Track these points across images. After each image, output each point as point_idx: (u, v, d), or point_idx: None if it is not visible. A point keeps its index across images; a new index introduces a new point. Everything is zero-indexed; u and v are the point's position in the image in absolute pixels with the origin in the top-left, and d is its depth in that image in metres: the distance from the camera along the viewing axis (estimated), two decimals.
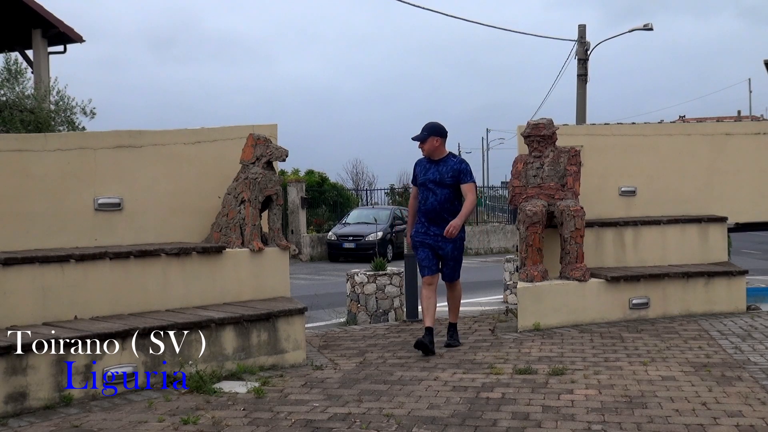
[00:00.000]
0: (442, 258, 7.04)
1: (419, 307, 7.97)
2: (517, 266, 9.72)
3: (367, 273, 9.59)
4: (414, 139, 7.08)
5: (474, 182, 7.02)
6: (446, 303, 7.36)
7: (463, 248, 7.18)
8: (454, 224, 6.73)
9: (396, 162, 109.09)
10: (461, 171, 6.96)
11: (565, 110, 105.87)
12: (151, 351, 5.66)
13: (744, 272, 8.73)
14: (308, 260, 24.50)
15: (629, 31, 25.48)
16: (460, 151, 48.26)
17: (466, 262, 21.54)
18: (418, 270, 7.22)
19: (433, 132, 6.99)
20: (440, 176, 6.92)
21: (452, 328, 7.26)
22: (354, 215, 25.88)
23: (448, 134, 7.13)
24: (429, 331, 6.81)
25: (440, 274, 7.07)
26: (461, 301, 7.47)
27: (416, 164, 7.17)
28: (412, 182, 7.26)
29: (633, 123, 10.50)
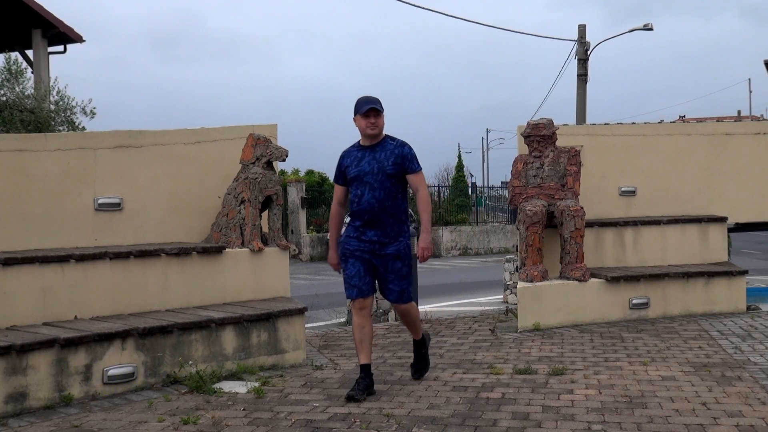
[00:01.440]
0: (381, 274, 5.43)
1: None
2: (517, 266, 9.72)
3: None
4: (364, 112, 5.35)
5: (422, 169, 5.50)
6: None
7: (410, 257, 5.58)
8: (423, 245, 5.29)
9: None
10: (405, 156, 5.37)
11: (565, 110, 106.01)
12: (151, 351, 5.66)
13: (744, 272, 8.73)
14: (308, 260, 24.49)
15: (629, 31, 25.49)
16: (460, 152, 47.90)
17: (467, 262, 21.26)
18: (345, 289, 5.52)
19: (383, 108, 5.44)
20: (379, 165, 5.33)
21: (419, 345, 5.80)
22: None
23: None
24: (364, 370, 5.34)
25: (385, 295, 5.56)
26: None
27: (343, 156, 5.52)
28: (335, 180, 5.61)
29: (633, 123, 10.50)
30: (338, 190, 5.59)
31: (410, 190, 5.57)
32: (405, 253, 5.45)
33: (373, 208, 5.34)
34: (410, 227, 5.93)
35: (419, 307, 9.31)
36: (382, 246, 5.38)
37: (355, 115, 5.42)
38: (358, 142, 5.51)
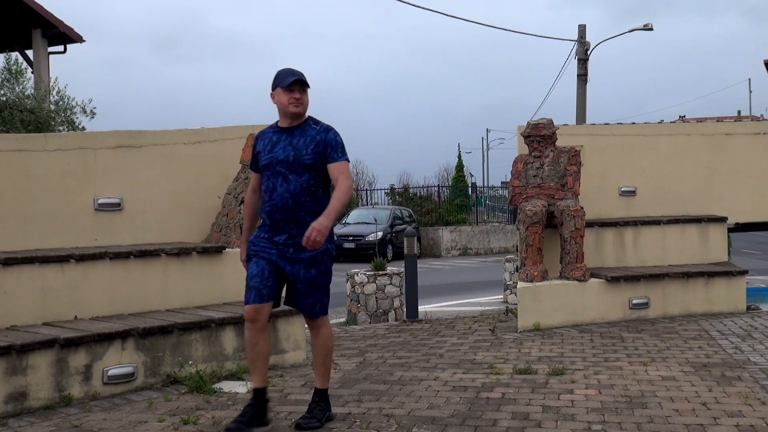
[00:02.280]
0: (291, 283, 4.58)
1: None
2: (517, 266, 9.72)
3: (367, 273, 9.59)
4: (287, 85, 4.52)
5: (348, 161, 4.61)
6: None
7: (329, 263, 4.62)
8: (317, 226, 4.22)
9: (396, 162, 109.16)
10: (328, 143, 4.53)
11: (565, 110, 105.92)
12: (151, 351, 5.66)
13: (744, 272, 8.73)
14: None
15: (629, 31, 25.48)
16: (460, 152, 47.73)
17: (467, 262, 21.20)
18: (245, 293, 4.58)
19: (307, 84, 4.60)
20: (295, 153, 4.51)
21: (318, 395, 4.70)
22: (354, 215, 25.88)
23: None
24: (257, 396, 4.58)
25: (297, 306, 4.70)
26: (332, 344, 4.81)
27: (258, 138, 4.74)
28: (251, 165, 4.83)
29: (633, 123, 10.51)
30: (254, 177, 4.77)
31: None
32: (322, 259, 4.54)
33: (287, 204, 4.49)
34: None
35: (420, 308, 9.38)
36: (296, 250, 4.48)
37: (274, 88, 4.56)
38: (276, 122, 4.67)
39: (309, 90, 4.61)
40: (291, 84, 4.49)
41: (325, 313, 4.68)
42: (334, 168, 4.52)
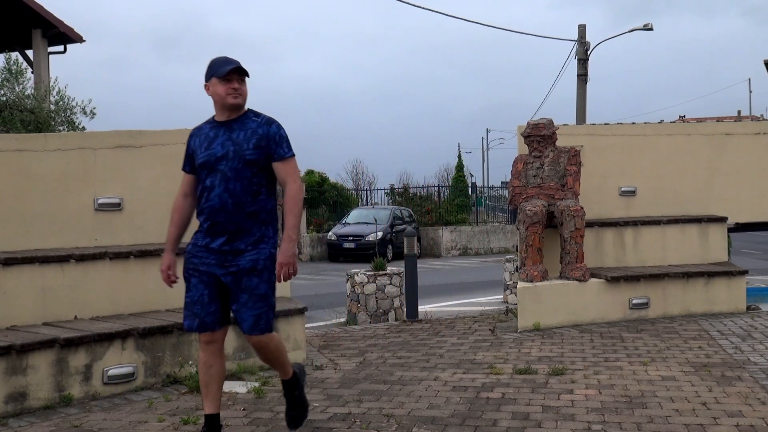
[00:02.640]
0: (232, 293, 4.10)
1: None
2: (517, 266, 9.72)
3: (367, 273, 9.59)
4: (224, 74, 4.11)
5: (294, 155, 4.22)
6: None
7: (273, 272, 4.12)
8: (285, 260, 4.01)
9: (396, 162, 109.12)
10: (272, 137, 4.13)
11: (565, 110, 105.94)
12: (151, 351, 5.66)
13: (744, 272, 8.73)
14: (308, 260, 24.50)
15: (629, 31, 25.47)
16: (460, 152, 47.66)
17: (467, 262, 21.19)
18: (184, 317, 4.21)
19: (246, 73, 4.20)
20: (236, 149, 4.09)
21: (290, 386, 4.44)
22: (354, 215, 25.89)
23: None
24: (210, 424, 4.23)
25: (236, 321, 4.17)
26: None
27: (192, 135, 4.26)
28: (183, 166, 4.32)
29: (633, 123, 10.51)
30: (185, 179, 4.30)
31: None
32: (265, 266, 4.09)
33: (226, 205, 4.06)
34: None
35: (420, 308, 9.38)
36: (235, 256, 4.07)
37: (208, 78, 4.16)
38: (213, 117, 4.26)
39: (248, 79, 4.20)
40: (228, 73, 4.10)
41: (269, 330, 4.14)
42: (280, 168, 4.13)
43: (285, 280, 4.07)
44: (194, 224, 4.29)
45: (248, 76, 4.19)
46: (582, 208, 8.04)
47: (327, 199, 28.34)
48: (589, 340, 7.23)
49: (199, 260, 4.12)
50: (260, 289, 4.08)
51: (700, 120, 25.65)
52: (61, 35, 17.66)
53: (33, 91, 16.31)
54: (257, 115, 4.23)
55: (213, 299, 4.11)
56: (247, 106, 4.23)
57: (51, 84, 16.73)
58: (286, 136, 4.19)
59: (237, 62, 4.16)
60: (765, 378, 5.57)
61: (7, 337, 5.16)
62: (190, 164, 4.25)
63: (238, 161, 4.07)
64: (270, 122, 4.19)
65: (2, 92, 15.99)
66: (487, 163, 64.02)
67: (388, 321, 9.34)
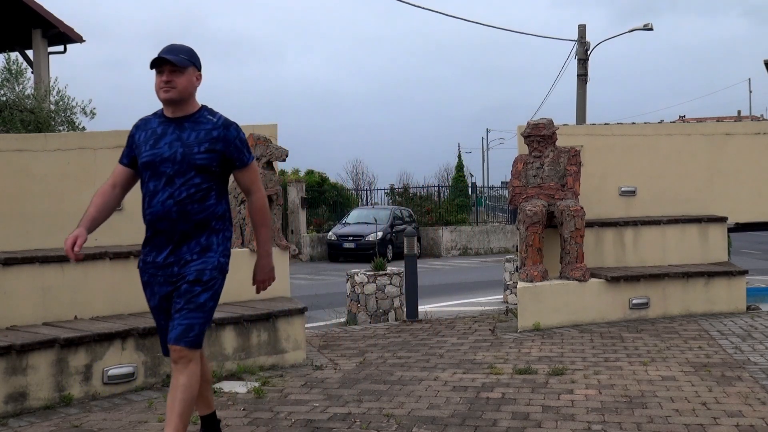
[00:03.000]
0: (173, 296, 3.75)
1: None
2: (517, 266, 9.72)
3: (367, 273, 9.59)
4: (159, 63, 3.68)
5: (255, 160, 3.94)
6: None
7: (218, 283, 3.75)
8: (264, 276, 3.92)
9: (396, 162, 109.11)
10: (229, 141, 3.73)
11: (565, 110, 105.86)
12: (151, 351, 5.66)
13: (744, 272, 8.73)
14: (308, 260, 24.50)
15: (629, 31, 25.47)
16: (460, 152, 47.62)
17: (467, 262, 21.15)
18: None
19: (196, 60, 3.80)
20: (184, 151, 3.67)
21: (208, 424, 4.09)
22: (354, 215, 25.89)
23: None
24: (206, 423, 4.10)
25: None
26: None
27: (139, 126, 3.84)
28: (120, 158, 3.91)
29: (633, 123, 10.51)
30: (118, 170, 3.89)
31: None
32: (211, 277, 3.69)
33: (170, 213, 3.66)
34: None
35: (420, 308, 9.38)
36: (181, 267, 3.70)
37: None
38: (161, 110, 3.82)
39: (190, 70, 3.72)
40: (156, 65, 3.68)
41: (199, 345, 3.66)
42: (243, 177, 3.80)
43: (264, 289, 3.99)
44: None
45: (186, 65, 3.69)
46: (582, 208, 8.04)
47: (327, 199, 28.34)
48: (589, 340, 7.23)
49: (152, 278, 3.79)
50: (200, 298, 3.67)
51: (700, 120, 25.65)
52: (61, 35, 17.66)
53: (33, 91, 16.31)
54: (213, 114, 3.80)
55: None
56: (203, 103, 3.85)
57: (51, 84, 16.74)
58: (245, 140, 3.83)
59: (168, 50, 3.69)
60: (765, 378, 5.57)
61: (7, 337, 5.16)
62: (129, 157, 3.84)
63: (186, 165, 3.65)
64: (228, 125, 3.76)
65: (2, 92, 15.99)
66: (487, 163, 64.06)
67: (388, 321, 9.34)
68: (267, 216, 3.85)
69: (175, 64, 3.66)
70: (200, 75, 3.81)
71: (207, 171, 3.69)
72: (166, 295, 3.75)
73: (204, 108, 3.81)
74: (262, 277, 3.90)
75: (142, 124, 3.82)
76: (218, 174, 3.75)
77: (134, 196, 6.68)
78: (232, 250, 6.75)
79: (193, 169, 3.67)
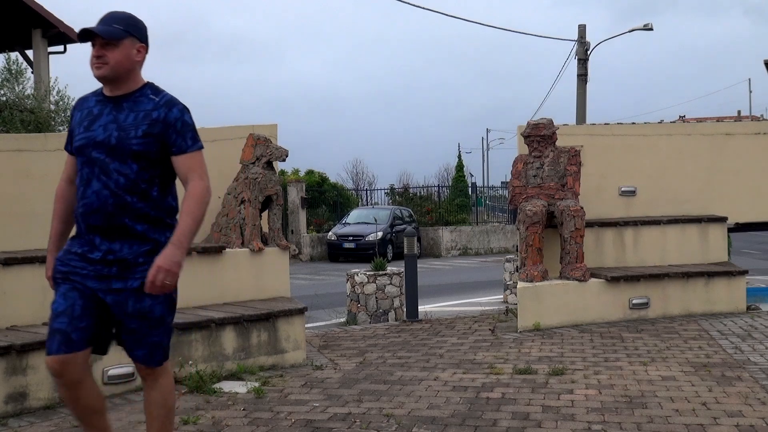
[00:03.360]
0: (117, 318, 3.27)
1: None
2: (517, 266, 9.72)
3: (367, 273, 9.59)
4: (86, 37, 3.24)
5: (202, 149, 3.35)
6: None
7: (171, 293, 3.31)
8: (164, 263, 3.11)
9: (396, 162, 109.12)
10: (171, 124, 3.26)
11: (565, 110, 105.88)
12: None
13: (744, 272, 8.74)
14: (308, 260, 24.50)
15: (629, 32, 25.46)
16: (460, 152, 47.59)
17: (467, 262, 21.19)
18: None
19: (136, 30, 3.29)
20: (120, 135, 3.22)
21: None
22: (354, 215, 25.88)
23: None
24: None
25: (127, 351, 3.37)
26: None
27: (76, 106, 3.44)
28: (66, 146, 3.49)
29: (633, 123, 10.51)
30: (69, 161, 3.46)
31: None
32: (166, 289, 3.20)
33: (105, 205, 3.21)
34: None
35: (420, 308, 9.38)
36: (122, 270, 3.21)
37: None
38: (101, 88, 3.38)
39: (128, 42, 3.23)
40: (86, 38, 3.24)
41: (165, 358, 3.38)
42: (181, 162, 3.27)
43: (155, 291, 3.13)
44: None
45: (121, 37, 3.21)
46: (582, 208, 8.04)
47: (327, 199, 28.34)
48: (589, 340, 7.24)
49: (73, 270, 3.23)
50: (155, 312, 3.26)
51: (700, 120, 25.66)
52: (61, 35, 17.65)
53: (33, 91, 16.31)
54: (157, 92, 3.32)
55: (86, 313, 3.20)
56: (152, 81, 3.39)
57: (51, 84, 16.73)
58: (192, 124, 3.32)
59: (102, 20, 3.25)
60: (765, 378, 5.57)
61: (7, 337, 5.16)
62: (72, 143, 3.38)
63: (121, 151, 3.20)
64: (171, 104, 3.28)
65: (2, 92, 15.99)
66: (487, 163, 64.11)
67: (388, 321, 9.34)
68: (199, 207, 3.22)
69: (107, 40, 3.18)
70: (143, 47, 3.30)
71: (145, 158, 3.23)
72: (94, 293, 3.21)
73: (148, 85, 3.33)
74: (161, 263, 3.09)
75: (79, 104, 3.40)
76: (161, 162, 3.27)
77: None
78: (231, 250, 6.80)
79: (130, 156, 3.21)
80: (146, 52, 3.32)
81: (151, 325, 3.28)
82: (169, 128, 3.24)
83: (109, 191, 3.20)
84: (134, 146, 3.21)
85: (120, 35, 3.21)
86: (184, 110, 3.31)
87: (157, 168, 3.28)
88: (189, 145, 3.29)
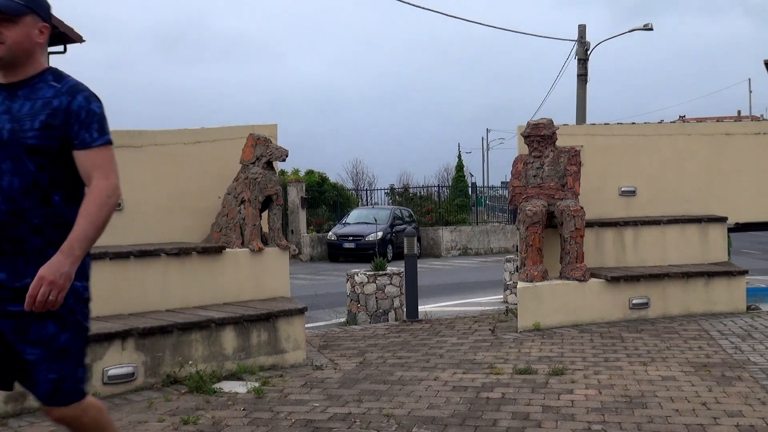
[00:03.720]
0: (13, 343, 2.76)
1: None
2: (517, 266, 9.72)
3: (367, 273, 9.59)
4: None
5: (110, 143, 2.80)
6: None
7: (83, 311, 2.97)
8: (49, 274, 2.59)
9: (396, 162, 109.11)
10: (74, 113, 2.75)
11: (566, 110, 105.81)
12: (151, 351, 5.66)
13: (744, 272, 8.73)
14: (308, 260, 24.50)
15: (629, 32, 25.46)
16: (460, 152, 47.52)
17: (467, 262, 21.22)
18: None
19: (39, 8, 2.82)
20: (14, 125, 2.73)
21: None
22: (354, 215, 25.89)
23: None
24: None
25: (28, 386, 2.84)
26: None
27: None
28: None
29: (633, 123, 10.51)
30: None
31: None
32: (67, 306, 2.74)
33: None
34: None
35: (420, 308, 9.38)
36: (16, 293, 2.71)
37: None
38: None
39: (29, 20, 2.76)
40: None
41: (80, 396, 2.81)
42: (84, 158, 2.74)
43: (37, 308, 2.59)
44: None
45: (18, 12, 2.73)
46: (582, 208, 8.04)
47: (327, 199, 28.33)
48: (589, 340, 7.24)
49: None
50: (60, 341, 2.75)
51: (700, 120, 25.66)
52: (61, 35, 17.66)
53: None
54: (59, 78, 2.81)
55: None
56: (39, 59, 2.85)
57: None
58: (100, 114, 2.79)
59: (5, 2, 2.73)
60: (765, 378, 5.57)
61: None
62: None
63: (14, 147, 2.71)
64: (75, 91, 2.77)
65: None
66: (487, 163, 64.10)
67: (388, 321, 9.34)
68: (100, 209, 2.68)
69: (3, 11, 2.70)
70: (46, 27, 2.83)
71: (45, 154, 2.73)
72: None
73: (49, 71, 2.81)
74: (44, 274, 2.58)
75: None
76: (64, 160, 2.76)
77: (134, 197, 6.71)
78: (231, 250, 6.80)
79: (25, 152, 2.71)
80: (49, 33, 2.85)
81: (54, 356, 2.74)
82: (71, 118, 2.73)
83: (3, 196, 2.70)
84: (30, 140, 2.71)
85: (21, 10, 2.73)
86: (91, 98, 2.78)
87: (61, 168, 2.76)
88: (94, 138, 2.74)
